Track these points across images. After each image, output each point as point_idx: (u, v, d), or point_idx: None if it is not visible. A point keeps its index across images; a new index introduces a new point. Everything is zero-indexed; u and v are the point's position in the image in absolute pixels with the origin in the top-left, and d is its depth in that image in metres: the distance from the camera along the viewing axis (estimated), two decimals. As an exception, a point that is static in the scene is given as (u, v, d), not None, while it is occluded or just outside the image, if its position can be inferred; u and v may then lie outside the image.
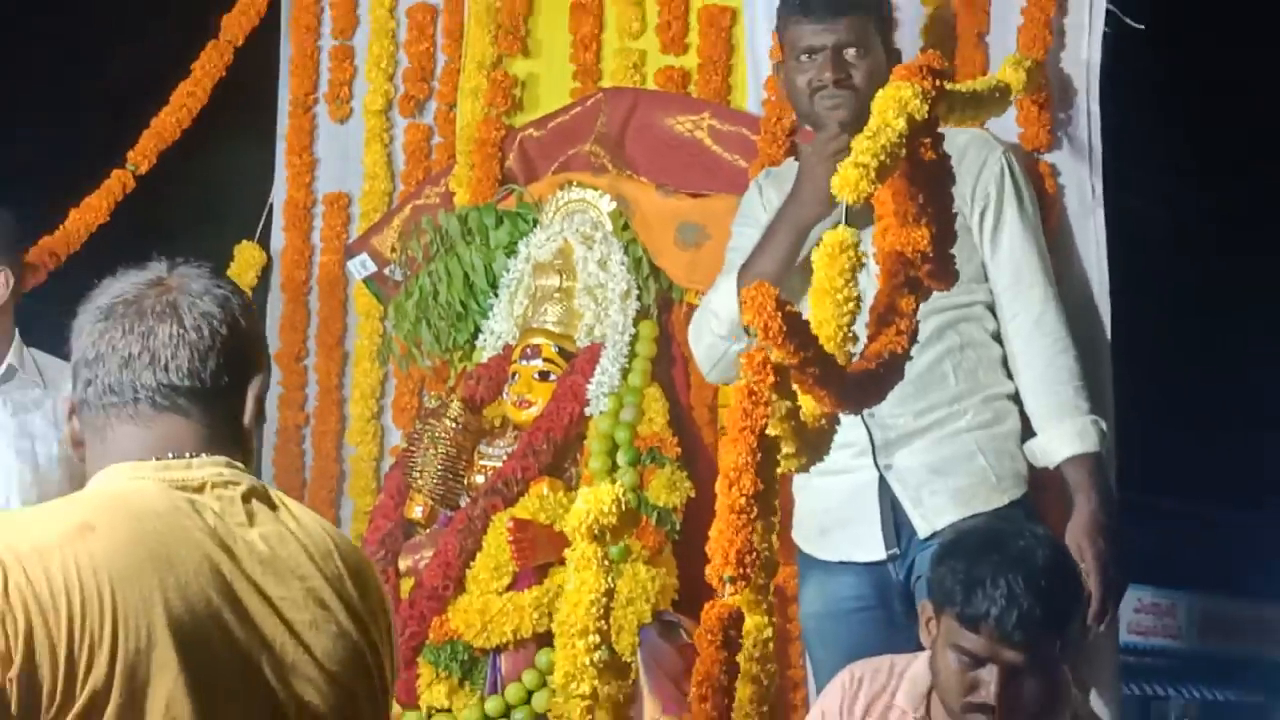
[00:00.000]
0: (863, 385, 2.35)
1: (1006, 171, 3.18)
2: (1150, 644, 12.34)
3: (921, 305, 2.45)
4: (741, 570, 2.18)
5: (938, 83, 2.48)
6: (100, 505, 1.63)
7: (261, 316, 4.09)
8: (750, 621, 2.30)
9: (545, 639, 3.44)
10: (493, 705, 3.45)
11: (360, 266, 4.32)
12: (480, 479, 3.77)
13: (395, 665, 1.78)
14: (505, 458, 3.74)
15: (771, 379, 2.18)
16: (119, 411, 1.70)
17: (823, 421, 2.35)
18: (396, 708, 3.34)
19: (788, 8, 3.25)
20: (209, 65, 4.47)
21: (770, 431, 2.22)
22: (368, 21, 4.53)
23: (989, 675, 2.42)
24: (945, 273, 2.45)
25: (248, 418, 1.75)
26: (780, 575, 3.11)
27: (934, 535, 3.02)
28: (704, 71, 3.97)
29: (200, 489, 1.68)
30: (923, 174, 2.43)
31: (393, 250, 4.25)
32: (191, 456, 1.69)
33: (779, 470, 2.28)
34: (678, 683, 3.31)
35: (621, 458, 3.68)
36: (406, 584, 3.63)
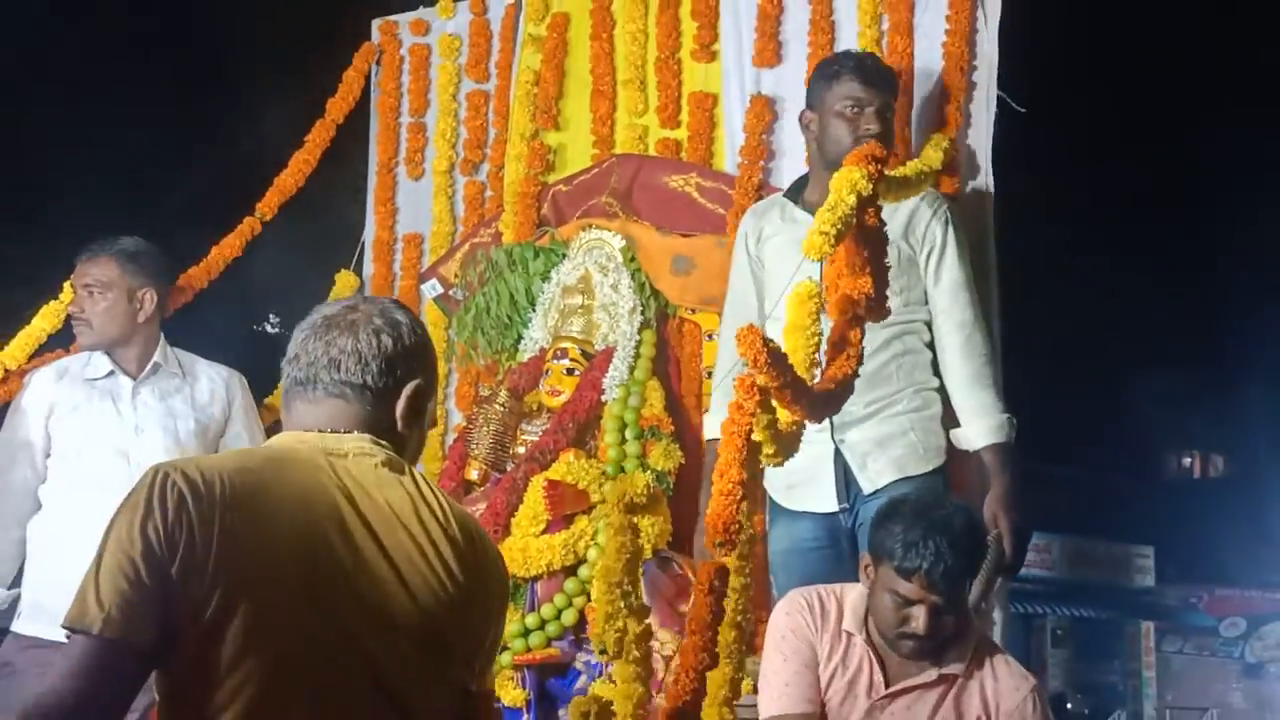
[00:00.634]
0: (825, 400, 2.34)
1: (949, 223, 3.16)
2: (1031, 574, 12.35)
3: (875, 322, 2.44)
4: (729, 538, 2.18)
5: (879, 167, 2.48)
6: (263, 455, 1.62)
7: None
8: (734, 580, 2.29)
9: (571, 570, 3.42)
10: (531, 620, 3.42)
11: (431, 289, 4.34)
12: (522, 450, 3.76)
13: (499, 630, 1.70)
14: (541, 433, 3.73)
15: (757, 397, 2.17)
16: (301, 395, 1.68)
17: (794, 427, 2.34)
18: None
19: (844, 69, 3.17)
20: (318, 137, 4.49)
21: (755, 437, 2.21)
22: (436, 103, 4.54)
23: (918, 613, 2.41)
24: (881, 310, 2.44)
25: (400, 410, 1.70)
26: (755, 522, 3.03)
27: (876, 492, 3.00)
28: (692, 142, 3.97)
29: (345, 455, 1.64)
30: (866, 236, 2.42)
31: (455, 277, 4.25)
32: (345, 432, 1.66)
33: (761, 465, 2.27)
34: (672, 604, 3.28)
35: (629, 434, 3.67)
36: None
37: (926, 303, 3.14)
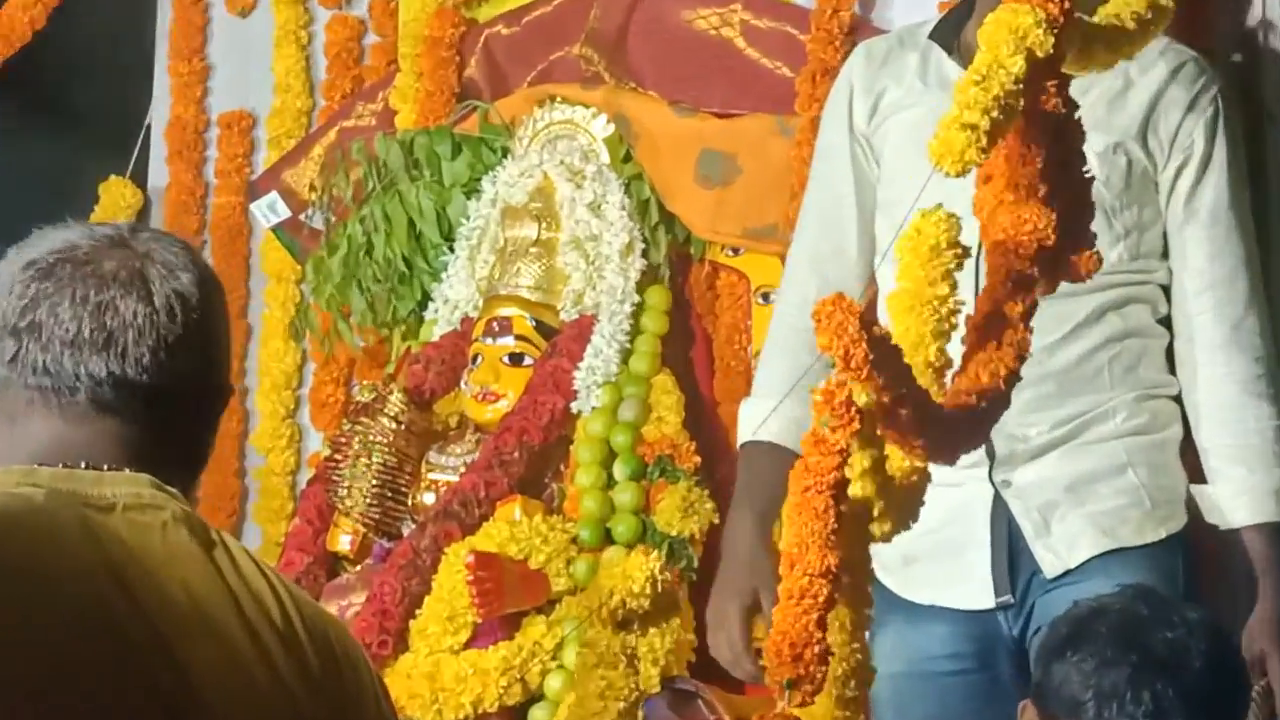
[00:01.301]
0: (958, 426, 2.36)
1: (1219, 117, 3.15)
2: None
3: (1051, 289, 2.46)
4: (806, 672, 2.18)
5: (1065, 6, 2.43)
6: None
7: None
8: None
9: (518, 715, 3.51)
10: (443, 813, 3.52)
11: (268, 210, 4.31)
12: (430, 498, 3.80)
13: None
14: (464, 469, 3.77)
15: (854, 424, 2.18)
16: (48, 400, 1.74)
17: (913, 478, 2.35)
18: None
19: None
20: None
21: (854, 491, 2.24)
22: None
23: None
24: (1066, 267, 2.45)
25: (205, 433, 1.81)
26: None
27: (1065, 575, 3.01)
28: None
29: (111, 509, 1.70)
30: (1044, 132, 2.41)
31: (312, 189, 4.25)
32: (111, 468, 1.73)
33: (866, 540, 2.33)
34: (695, 774, 3.42)
35: (620, 470, 3.70)
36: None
37: (1166, 255, 3.15)
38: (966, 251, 2.33)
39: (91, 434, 1.74)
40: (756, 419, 3.16)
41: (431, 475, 3.84)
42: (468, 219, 3.99)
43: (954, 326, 2.34)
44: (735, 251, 3.88)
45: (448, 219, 4.02)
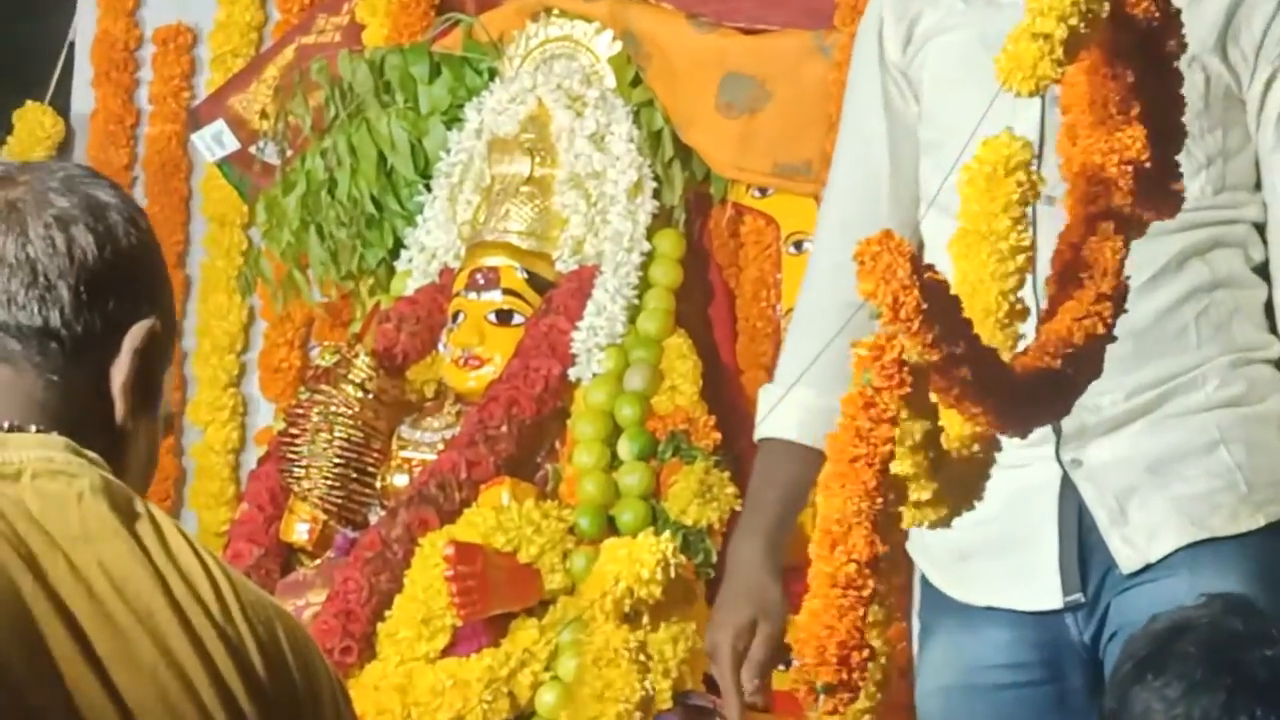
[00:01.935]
0: (1037, 391, 2.30)
1: None
2: None
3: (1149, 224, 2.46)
4: (846, 674, 2.15)
5: None
6: None
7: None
8: None
9: None
10: None
11: (212, 142, 4.23)
12: (402, 479, 3.70)
13: None
14: (442, 446, 3.68)
15: (905, 386, 2.14)
16: None
17: (974, 449, 2.31)
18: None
19: None
20: None
21: (898, 468, 2.20)
22: None
23: None
24: (1166, 196, 2.41)
25: (121, 380, 1.77)
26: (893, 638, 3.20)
27: (1145, 570, 2.91)
28: None
29: (16, 476, 1.70)
30: (1133, 43, 2.36)
31: (264, 117, 4.16)
32: (11, 429, 1.74)
33: (905, 524, 2.30)
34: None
35: (626, 448, 3.60)
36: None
37: (1258, 187, 3.06)
38: (1040, 179, 2.32)
39: None
40: (773, 411, 3.18)
41: (404, 453, 3.75)
42: (448, 152, 3.88)
43: (1021, 269, 2.31)
44: (763, 192, 3.77)
45: (424, 152, 3.93)
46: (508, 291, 3.70)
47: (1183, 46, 2.42)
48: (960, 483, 2.31)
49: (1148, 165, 2.34)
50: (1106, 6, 2.30)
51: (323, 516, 3.68)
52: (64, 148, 4.58)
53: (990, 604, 3.00)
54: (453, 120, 3.88)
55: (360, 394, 3.70)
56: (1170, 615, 2.43)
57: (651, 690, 3.27)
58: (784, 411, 3.12)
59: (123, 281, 1.78)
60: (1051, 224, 2.45)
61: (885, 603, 2.46)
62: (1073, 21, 2.25)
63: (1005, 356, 2.28)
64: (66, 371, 1.75)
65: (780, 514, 3.06)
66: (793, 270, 3.69)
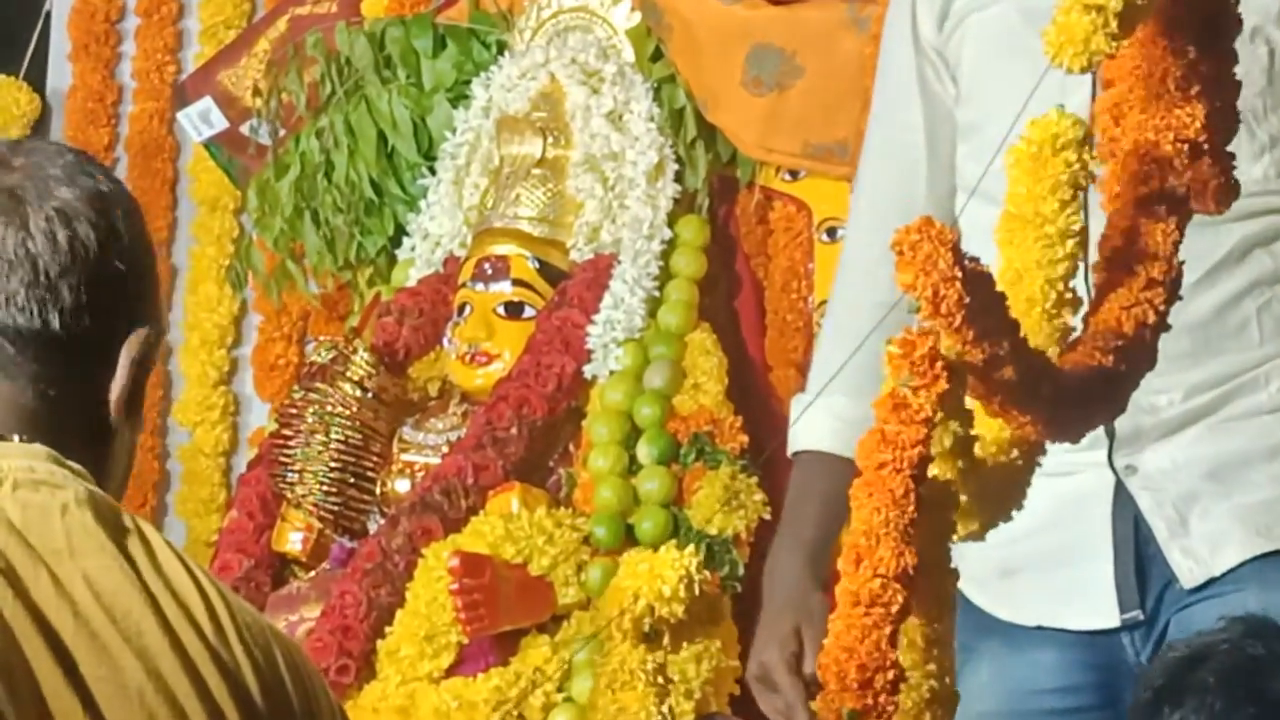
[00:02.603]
0: (1089, 391, 2.30)
1: None
2: None
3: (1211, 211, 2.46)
4: (871, 699, 2.14)
5: None
6: None
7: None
8: None
9: None
10: None
11: (200, 121, 4.20)
12: (403, 485, 3.67)
13: None
14: (446, 449, 3.66)
15: (943, 384, 2.14)
16: None
17: (1013, 455, 2.30)
18: None
19: None
20: None
21: (935, 472, 2.19)
22: None
23: None
24: (1224, 178, 2.40)
25: (116, 390, 1.78)
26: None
27: (1208, 584, 2.85)
28: None
29: None
30: (1189, 15, 2.35)
31: (256, 94, 4.11)
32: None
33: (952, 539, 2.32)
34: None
35: (646, 452, 3.57)
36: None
37: None
38: (1092, 159, 2.29)
39: None
40: (804, 422, 3.10)
41: (406, 456, 3.72)
42: (453, 132, 3.85)
43: (1071, 255, 2.30)
44: (794, 174, 3.73)
45: (428, 132, 3.90)
46: (518, 282, 3.67)
47: (1239, 22, 2.40)
48: (996, 492, 2.31)
49: (1206, 148, 2.32)
50: None
51: (318, 525, 3.68)
52: (39, 127, 4.61)
53: (1040, 623, 2.94)
54: (458, 97, 3.86)
55: (358, 393, 3.69)
56: (1188, 642, 2.34)
57: (670, 714, 3.28)
58: (817, 421, 3.06)
59: (123, 282, 1.77)
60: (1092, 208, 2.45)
61: (930, 619, 2.34)
62: (1125, -4, 2.32)
63: (1052, 352, 2.27)
64: (60, 379, 1.75)
65: (821, 527, 3.00)
66: (826, 259, 3.66)
